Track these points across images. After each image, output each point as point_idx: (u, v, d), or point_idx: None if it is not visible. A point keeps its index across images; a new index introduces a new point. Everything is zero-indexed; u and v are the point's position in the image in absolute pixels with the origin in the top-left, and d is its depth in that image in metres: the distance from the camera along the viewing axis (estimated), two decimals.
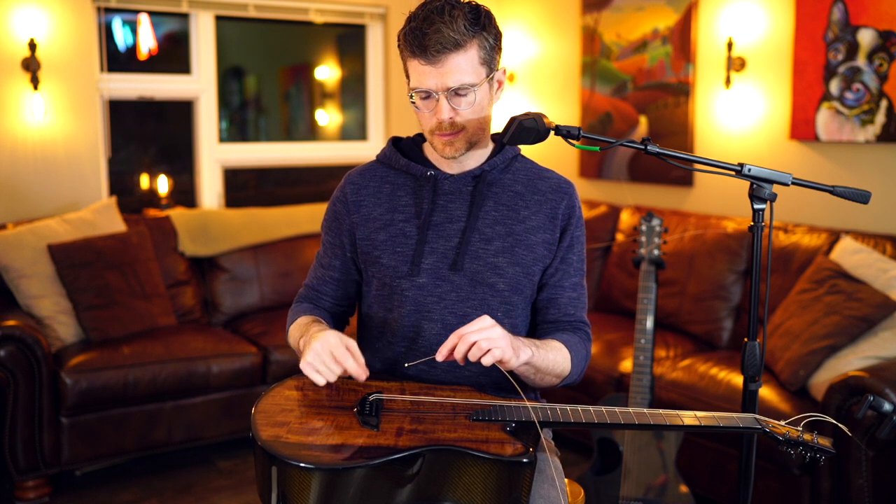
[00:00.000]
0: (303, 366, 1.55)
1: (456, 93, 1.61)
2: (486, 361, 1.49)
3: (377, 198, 1.77)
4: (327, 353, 1.53)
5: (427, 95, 1.63)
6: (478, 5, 1.64)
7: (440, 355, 1.52)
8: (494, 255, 1.71)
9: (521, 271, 1.72)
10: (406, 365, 1.69)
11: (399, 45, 1.66)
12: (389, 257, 1.73)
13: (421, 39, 1.58)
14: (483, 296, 1.71)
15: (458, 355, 1.51)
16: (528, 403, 1.54)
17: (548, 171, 1.82)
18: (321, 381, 1.53)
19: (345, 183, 1.82)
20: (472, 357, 1.50)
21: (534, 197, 1.76)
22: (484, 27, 1.62)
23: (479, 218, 1.72)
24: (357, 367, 1.54)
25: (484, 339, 1.49)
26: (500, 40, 1.68)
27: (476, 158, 1.76)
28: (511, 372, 1.63)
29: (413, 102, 1.68)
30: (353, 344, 1.56)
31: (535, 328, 1.82)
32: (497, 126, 1.73)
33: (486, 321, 1.52)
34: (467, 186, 1.74)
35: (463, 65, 1.60)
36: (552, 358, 1.66)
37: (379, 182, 1.78)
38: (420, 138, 1.84)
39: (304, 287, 1.91)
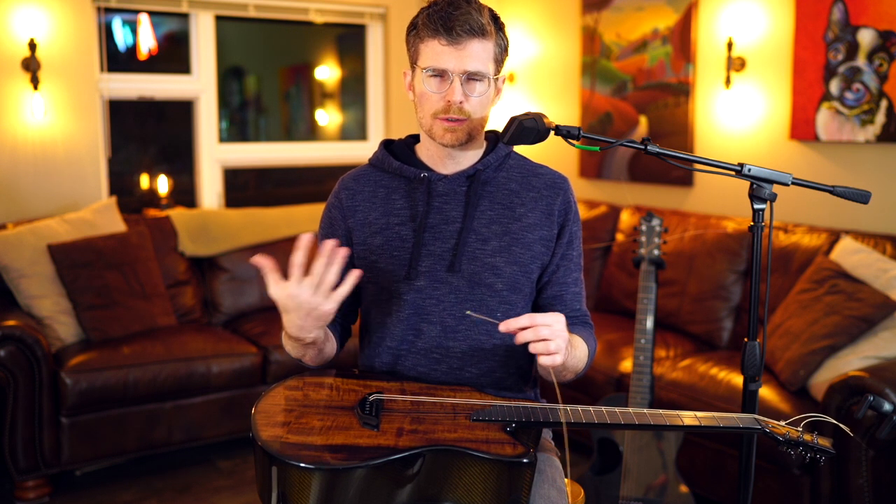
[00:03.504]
0: (291, 331, 1.55)
1: (471, 78, 1.63)
2: (545, 362, 1.47)
3: (372, 202, 1.76)
4: (281, 299, 1.49)
5: (441, 77, 1.64)
6: (493, 10, 1.69)
7: (505, 326, 1.47)
8: (492, 254, 1.71)
9: (518, 270, 1.72)
10: (467, 312, 1.66)
11: (415, 30, 1.67)
12: (386, 261, 1.72)
13: (447, 20, 1.60)
14: (482, 296, 1.70)
15: (522, 339, 1.46)
16: (528, 404, 1.54)
17: (541, 167, 1.81)
18: (321, 296, 1.48)
19: (339, 188, 1.81)
20: (535, 349, 1.46)
21: (529, 194, 1.76)
22: (501, 28, 1.68)
23: (475, 218, 1.72)
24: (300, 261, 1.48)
25: (554, 343, 1.46)
26: (508, 49, 1.72)
27: (469, 158, 1.75)
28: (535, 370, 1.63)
29: (413, 89, 1.69)
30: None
31: None
32: (496, 127, 1.73)
33: (561, 321, 1.49)
34: (462, 187, 1.73)
35: (482, 53, 1.63)
36: (578, 356, 1.66)
37: (373, 186, 1.77)
38: (412, 140, 1.82)
39: None
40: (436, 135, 1.68)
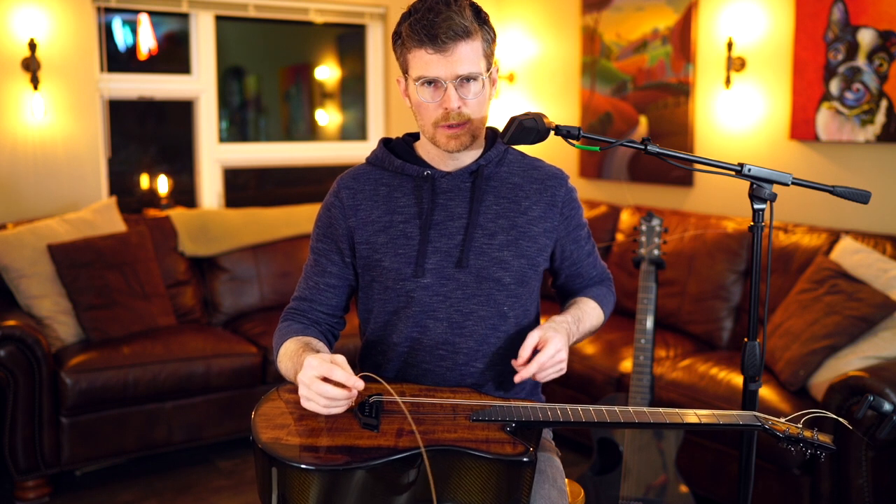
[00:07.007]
0: (305, 406, 1.49)
1: (464, 82, 1.62)
2: (540, 378, 1.65)
3: (374, 200, 1.74)
4: (313, 382, 1.46)
5: (434, 85, 1.62)
6: (474, 2, 1.67)
7: (518, 377, 1.61)
8: (499, 249, 1.71)
9: (526, 263, 1.73)
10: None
11: (399, 40, 1.64)
12: (391, 260, 1.71)
13: (430, 28, 1.58)
14: (489, 291, 1.71)
15: (533, 377, 1.63)
16: (527, 404, 1.54)
17: (538, 161, 1.84)
18: (335, 412, 1.48)
19: (338, 187, 1.78)
20: (539, 378, 1.64)
21: (532, 186, 1.77)
22: (485, 21, 1.66)
23: (481, 213, 1.72)
24: (347, 375, 1.46)
25: (556, 371, 1.64)
26: (496, 39, 1.70)
27: (471, 155, 1.75)
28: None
29: (409, 97, 1.68)
30: (338, 358, 1.49)
31: (564, 297, 1.94)
32: (496, 125, 1.72)
33: (560, 348, 1.62)
34: (465, 183, 1.73)
35: (470, 54, 1.61)
36: (588, 327, 1.81)
37: (374, 184, 1.76)
38: (410, 138, 1.82)
39: (293, 301, 1.83)
40: (439, 143, 1.67)
